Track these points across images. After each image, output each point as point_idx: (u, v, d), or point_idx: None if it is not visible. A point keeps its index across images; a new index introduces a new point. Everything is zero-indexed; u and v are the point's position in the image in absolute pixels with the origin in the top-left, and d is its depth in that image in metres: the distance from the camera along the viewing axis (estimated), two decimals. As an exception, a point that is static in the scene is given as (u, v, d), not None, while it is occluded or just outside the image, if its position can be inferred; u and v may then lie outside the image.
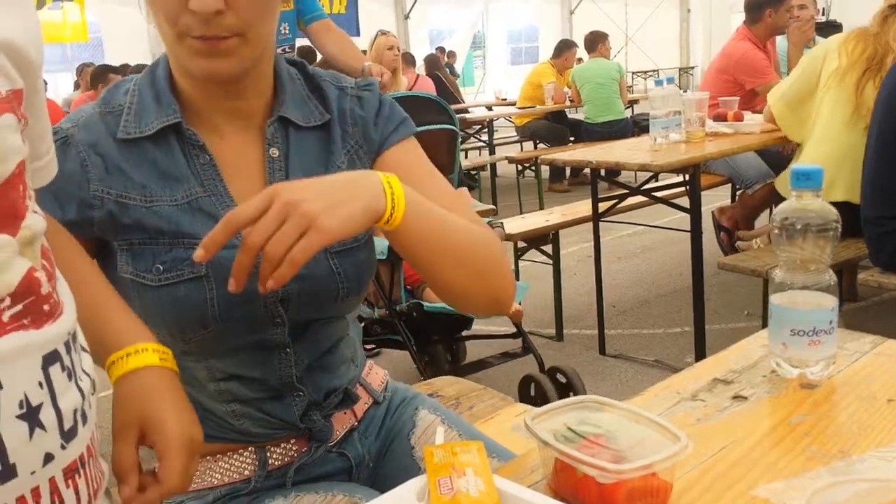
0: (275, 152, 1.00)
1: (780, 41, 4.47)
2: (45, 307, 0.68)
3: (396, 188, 0.88)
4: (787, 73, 4.07)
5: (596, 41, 7.32)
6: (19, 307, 0.64)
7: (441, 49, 9.27)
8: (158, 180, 0.95)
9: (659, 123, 3.28)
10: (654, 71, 17.40)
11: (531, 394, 2.79)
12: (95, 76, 6.48)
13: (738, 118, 3.50)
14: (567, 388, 2.75)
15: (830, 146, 2.84)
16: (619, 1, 16.43)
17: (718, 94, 4.02)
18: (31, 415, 0.64)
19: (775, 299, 0.98)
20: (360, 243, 1.03)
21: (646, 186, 3.42)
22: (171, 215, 0.94)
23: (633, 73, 17.09)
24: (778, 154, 3.75)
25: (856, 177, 2.56)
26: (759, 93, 4.05)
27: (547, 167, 6.99)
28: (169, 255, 0.94)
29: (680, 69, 18.28)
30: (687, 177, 3.16)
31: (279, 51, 2.96)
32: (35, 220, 0.69)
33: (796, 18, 4.19)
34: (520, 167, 6.86)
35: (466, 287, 0.98)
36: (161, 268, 0.94)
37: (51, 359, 0.67)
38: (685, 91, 16.62)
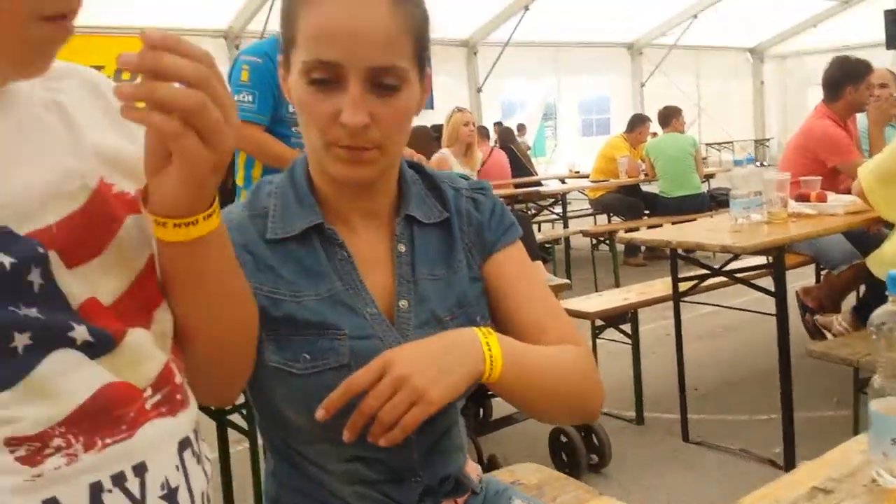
0: (402, 248, 1.10)
1: (861, 119, 4.40)
2: (178, 396, 0.74)
3: (494, 347, 0.98)
4: (869, 152, 4.01)
5: (669, 116, 7.34)
6: (158, 396, 0.71)
7: (498, 124, 9.24)
8: (304, 276, 1.04)
9: (740, 203, 3.27)
10: (728, 143, 17.27)
11: (561, 447, 3.05)
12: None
13: (822, 199, 3.45)
14: (592, 438, 3.04)
15: None
16: (691, 73, 16.43)
17: (799, 172, 3.97)
18: (171, 496, 0.69)
19: (874, 405, 0.98)
20: None
21: (727, 267, 3.38)
22: (317, 308, 1.03)
23: (708, 144, 16.97)
24: (864, 234, 3.67)
25: None
26: (842, 171, 3.99)
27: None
28: (315, 345, 1.02)
29: (755, 141, 18.12)
30: (770, 259, 3.12)
31: None
32: (165, 313, 0.76)
33: (876, 98, 4.14)
34: (594, 241, 6.84)
35: (559, 411, 1.11)
36: (308, 357, 1.01)
37: (184, 444, 0.73)
38: (761, 164, 16.45)
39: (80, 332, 0.63)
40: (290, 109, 3.00)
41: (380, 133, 0.98)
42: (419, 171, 1.17)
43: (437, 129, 5.75)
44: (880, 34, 13.68)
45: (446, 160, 5.21)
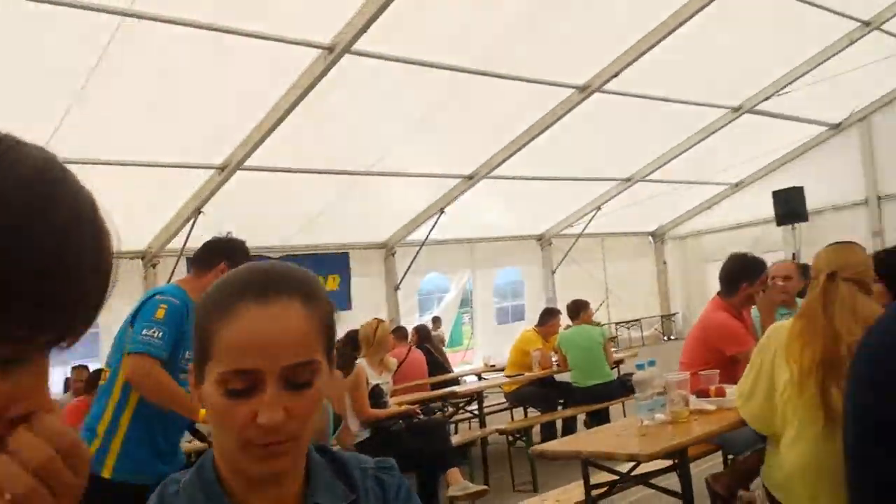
0: None
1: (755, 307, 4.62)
2: None
3: None
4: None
5: (579, 309, 7.57)
6: None
7: (400, 329, 8.90)
8: None
9: (644, 406, 3.35)
10: (636, 321, 17.79)
11: None
12: (90, 382, 6.33)
13: (721, 393, 3.56)
14: None
15: (807, 455, 2.56)
16: (598, 258, 17.15)
17: (700, 362, 4.13)
18: None
19: None
20: None
21: (637, 471, 3.38)
22: None
23: (617, 323, 17.46)
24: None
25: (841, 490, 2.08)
26: (740, 360, 4.12)
27: (538, 432, 6.98)
28: None
29: (661, 317, 18.73)
30: (675, 460, 3.15)
31: None
32: None
33: (779, 290, 4.37)
34: (510, 438, 6.79)
35: None
36: None
37: None
38: (668, 337, 16.86)
39: None
40: (187, 356, 2.99)
41: (295, 425, 1.01)
42: (325, 453, 1.19)
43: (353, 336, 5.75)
44: (769, 211, 14.71)
45: (363, 372, 5.19)
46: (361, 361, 5.31)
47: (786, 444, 2.65)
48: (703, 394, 3.60)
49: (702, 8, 8.23)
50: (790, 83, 12.70)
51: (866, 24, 11.86)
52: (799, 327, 2.59)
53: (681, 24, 8.35)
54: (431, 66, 7.30)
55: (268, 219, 9.19)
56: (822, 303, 2.55)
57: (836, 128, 16.08)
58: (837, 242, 2.79)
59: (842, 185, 16.10)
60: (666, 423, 3.31)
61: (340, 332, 5.58)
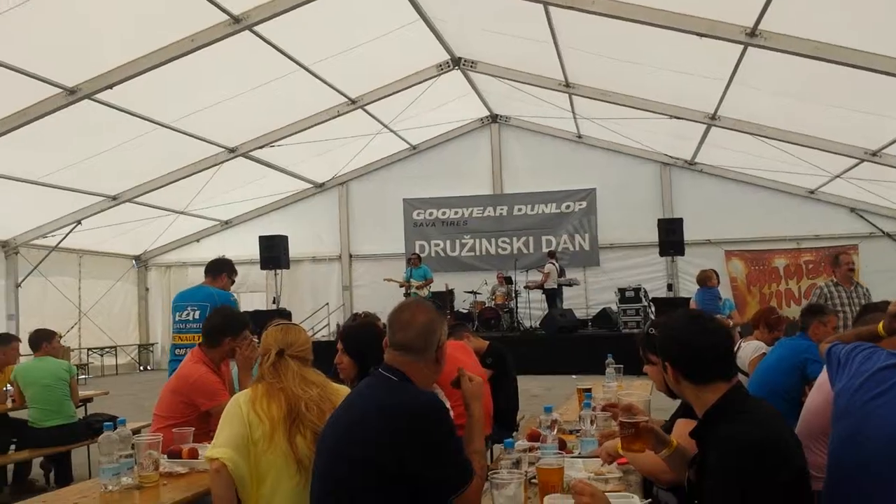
0: None
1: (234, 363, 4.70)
2: None
3: None
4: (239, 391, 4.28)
5: (41, 340, 6.74)
6: None
7: None
8: None
9: (109, 471, 3.17)
10: (112, 347, 16.98)
11: None
12: None
13: (193, 455, 3.52)
14: None
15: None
16: (73, 276, 16.02)
17: (174, 413, 4.09)
18: None
19: None
20: None
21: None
22: None
23: (90, 349, 16.49)
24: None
25: None
26: (213, 414, 4.15)
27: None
28: None
29: (139, 346, 18.17)
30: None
31: None
32: None
33: (255, 347, 4.47)
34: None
35: None
36: None
37: None
38: (145, 368, 16.45)
39: None
40: None
41: None
42: None
43: None
44: (255, 252, 15.30)
45: None
46: None
47: (266, 497, 2.85)
48: (174, 455, 3.54)
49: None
50: (284, 137, 13.53)
51: (353, 101, 13.21)
52: (264, 387, 2.97)
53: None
54: None
55: None
56: (276, 373, 3.00)
57: (321, 187, 17.56)
58: (282, 323, 3.24)
59: (321, 239, 17.60)
60: (132, 488, 3.17)
61: None
